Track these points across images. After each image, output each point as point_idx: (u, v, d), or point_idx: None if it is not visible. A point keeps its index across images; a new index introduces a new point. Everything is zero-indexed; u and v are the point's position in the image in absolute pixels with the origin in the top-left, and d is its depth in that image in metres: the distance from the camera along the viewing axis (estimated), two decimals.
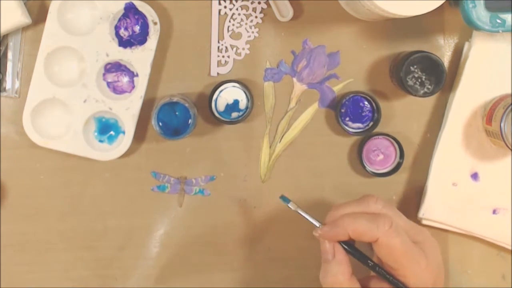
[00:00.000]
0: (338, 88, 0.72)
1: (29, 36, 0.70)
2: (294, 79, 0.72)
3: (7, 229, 0.72)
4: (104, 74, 0.69)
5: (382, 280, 0.57)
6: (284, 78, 0.71)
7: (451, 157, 0.70)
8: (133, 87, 0.69)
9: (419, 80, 0.67)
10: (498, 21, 0.62)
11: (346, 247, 0.56)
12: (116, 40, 0.68)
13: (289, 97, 0.72)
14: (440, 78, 0.67)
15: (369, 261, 0.57)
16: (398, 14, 0.58)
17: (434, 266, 0.56)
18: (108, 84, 0.70)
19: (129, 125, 0.69)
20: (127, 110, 0.69)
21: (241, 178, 0.72)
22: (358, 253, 0.57)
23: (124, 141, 0.69)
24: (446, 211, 0.71)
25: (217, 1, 0.70)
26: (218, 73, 0.71)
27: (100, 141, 0.70)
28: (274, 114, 0.72)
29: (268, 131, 0.72)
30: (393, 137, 0.70)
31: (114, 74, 0.70)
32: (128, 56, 0.68)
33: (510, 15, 0.62)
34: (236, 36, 0.71)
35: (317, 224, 0.57)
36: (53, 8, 0.67)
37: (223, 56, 0.71)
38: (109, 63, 0.69)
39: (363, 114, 0.71)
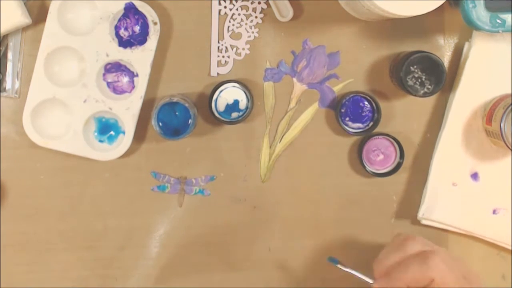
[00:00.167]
0: (338, 88, 0.72)
1: (29, 36, 0.70)
2: (294, 79, 0.71)
3: (7, 229, 0.72)
4: (104, 74, 0.69)
5: None
6: (284, 78, 0.71)
7: (451, 157, 0.70)
8: (133, 87, 0.69)
9: (419, 80, 0.67)
10: (498, 21, 0.62)
11: None
12: (116, 40, 0.68)
13: (289, 97, 0.72)
14: (440, 78, 0.67)
15: None
16: (398, 14, 0.58)
17: None
18: (108, 84, 0.70)
19: (129, 125, 0.69)
20: (127, 110, 0.69)
21: (241, 178, 0.72)
22: None
23: (124, 141, 0.69)
24: (446, 211, 0.71)
25: (217, 1, 0.70)
26: (218, 73, 0.71)
27: (100, 141, 0.70)
28: (274, 114, 0.72)
29: (268, 131, 0.72)
30: (393, 137, 0.70)
31: (114, 74, 0.70)
32: (128, 56, 0.68)
33: (510, 15, 0.62)
34: (236, 36, 0.71)
35: (370, 281, 0.58)
36: (53, 8, 0.67)
37: (223, 56, 0.71)
38: (109, 63, 0.69)
39: (363, 114, 0.71)
